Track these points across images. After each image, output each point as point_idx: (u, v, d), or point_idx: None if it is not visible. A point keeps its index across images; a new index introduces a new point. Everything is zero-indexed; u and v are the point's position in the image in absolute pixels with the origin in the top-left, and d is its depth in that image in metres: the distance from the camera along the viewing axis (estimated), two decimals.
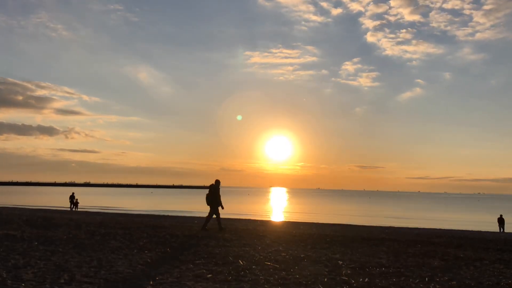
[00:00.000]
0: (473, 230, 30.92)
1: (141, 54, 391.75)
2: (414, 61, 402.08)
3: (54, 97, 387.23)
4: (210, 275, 8.50)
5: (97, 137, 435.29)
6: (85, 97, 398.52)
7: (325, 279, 8.48)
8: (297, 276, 8.75)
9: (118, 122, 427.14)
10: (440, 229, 29.38)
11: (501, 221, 37.37)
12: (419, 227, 33.11)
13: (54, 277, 7.81)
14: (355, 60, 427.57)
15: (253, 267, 9.58)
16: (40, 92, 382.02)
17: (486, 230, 31.57)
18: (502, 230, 36.47)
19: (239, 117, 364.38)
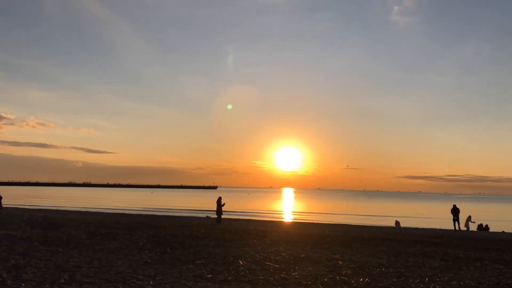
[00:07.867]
0: (473, 230, 30.86)
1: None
2: None
3: None
4: (210, 275, 8.51)
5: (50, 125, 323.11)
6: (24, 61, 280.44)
7: (325, 279, 8.47)
8: (297, 276, 8.75)
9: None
10: (440, 229, 29.34)
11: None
12: (419, 227, 33.08)
13: (54, 277, 7.81)
14: None
15: (253, 267, 9.58)
16: None
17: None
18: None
19: (229, 106, 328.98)
